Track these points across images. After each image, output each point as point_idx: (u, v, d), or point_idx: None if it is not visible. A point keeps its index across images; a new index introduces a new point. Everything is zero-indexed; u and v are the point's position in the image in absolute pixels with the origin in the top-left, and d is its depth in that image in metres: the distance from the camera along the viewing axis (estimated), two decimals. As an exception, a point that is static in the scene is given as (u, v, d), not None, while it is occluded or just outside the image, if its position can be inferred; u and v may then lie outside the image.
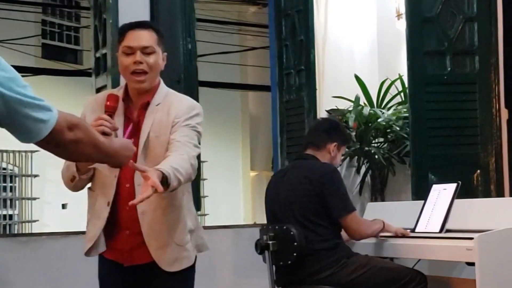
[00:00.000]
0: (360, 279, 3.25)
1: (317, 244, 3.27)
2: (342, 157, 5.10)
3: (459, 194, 3.41)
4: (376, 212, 4.06)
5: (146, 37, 2.55)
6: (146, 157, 2.53)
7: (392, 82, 5.35)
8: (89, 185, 2.64)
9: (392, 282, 3.27)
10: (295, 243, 3.24)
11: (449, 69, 4.60)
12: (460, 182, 3.43)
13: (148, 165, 2.38)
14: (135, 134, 2.52)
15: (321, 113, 5.26)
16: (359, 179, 5.32)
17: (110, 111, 2.42)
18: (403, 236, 3.43)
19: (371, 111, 5.25)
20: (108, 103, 2.44)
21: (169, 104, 2.58)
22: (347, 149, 5.15)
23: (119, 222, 2.54)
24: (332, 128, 3.57)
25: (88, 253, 2.61)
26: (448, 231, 3.33)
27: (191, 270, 2.62)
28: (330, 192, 3.29)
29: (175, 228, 2.55)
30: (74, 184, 2.54)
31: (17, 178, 12.65)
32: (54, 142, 1.60)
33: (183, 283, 2.61)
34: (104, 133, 2.27)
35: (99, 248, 2.58)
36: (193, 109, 2.60)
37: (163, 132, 2.53)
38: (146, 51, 2.53)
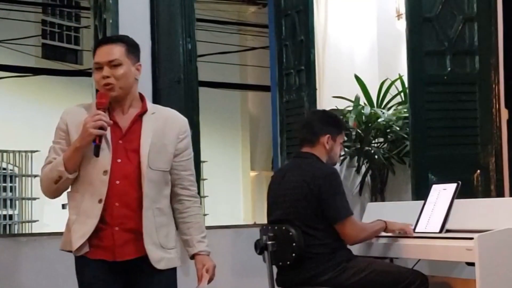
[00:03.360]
0: (360, 283, 3.24)
1: (316, 248, 3.26)
2: (343, 155, 5.12)
3: (459, 194, 3.41)
4: (376, 212, 4.06)
5: (112, 51, 2.68)
6: (151, 160, 2.65)
7: (392, 82, 5.35)
8: (68, 189, 2.69)
9: (392, 285, 3.26)
10: (294, 244, 3.23)
11: (449, 69, 4.60)
12: (460, 182, 3.42)
13: (152, 168, 2.62)
14: (123, 137, 2.66)
15: (321, 113, 5.26)
16: (359, 179, 5.32)
17: (103, 107, 2.61)
18: (406, 234, 3.39)
19: (371, 111, 5.25)
20: (100, 100, 2.62)
21: (165, 117, 2.75)
22: (347, 149, 5.15)
23: (105, 219, 2.60)
24: (322, 120, 3.47)
25: (78, 251, 2.61)
26: (448, 231, 3.32)
27: (174, 272, 2.75)
28: (327, 196, 3.25)
29: (160, 231, 2.68)
30: (57, 187, 2.62)
31: (17, 178, 12.65)
32: None
33: (167, 280, 2.72)
34: (101, 128, 2.52)
35: (84, 248, 2.61)
36: (187, 123, 2.82)
37: (168, 142, 2.72)
38: (113, 63, 2.66)
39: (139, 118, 2.70)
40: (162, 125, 2.71)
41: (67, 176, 2.58)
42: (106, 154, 2.60)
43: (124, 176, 2.61)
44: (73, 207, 2.67)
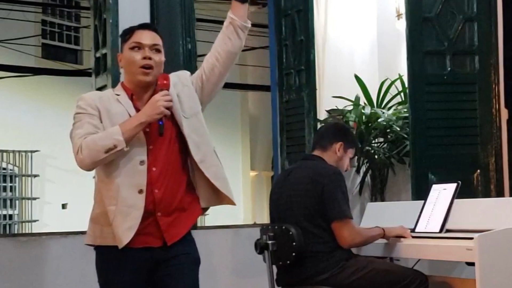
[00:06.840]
0: (359, 282, 3.24)
1: (316, 246, 3.26)
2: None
3: (459, 194, 3.41)
4: (376, 212, 4.06)
5: (155, 37, 2.72)
6: (184, 110, 2.69)
7: (392, 82, 5.35)
8: (95, 175, 2.65)
9: (392, 284, 3.26)
10: (294, 243, 3.23)
11: (449, 69, 4.60)
12: (460, 182, 3.42)
13: (186, 116, 2.68)
14: (149, 125, 2.64)
15: (321, 113, 5.26)
16: (359, 179, 5.32)
17: (167, 88, 2.63)
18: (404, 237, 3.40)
19: (371, 111, 5.25)
20: (164, 81, 2.63)
21: (174, 82, 2.73)
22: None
23: (147, 207, 2.58)
24: (339, 130, 3.56)
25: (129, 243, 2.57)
26: (448, 231, 3.32)
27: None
28: (328, 195, 3.25)
29: None
30: (105, 157, 2.53)
31: (17, 178, 12.65)
32: None
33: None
34: (168, 108, 2.57)
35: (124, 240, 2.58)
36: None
37: (192, 104, 2.74)
38: (154, 48, 2.69)
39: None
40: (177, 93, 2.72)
41: (123, 146, 2.52)
42: (141, 144, 2.59)
43: (158, 161, 2.61)
44: (107, 195, 2.59)
